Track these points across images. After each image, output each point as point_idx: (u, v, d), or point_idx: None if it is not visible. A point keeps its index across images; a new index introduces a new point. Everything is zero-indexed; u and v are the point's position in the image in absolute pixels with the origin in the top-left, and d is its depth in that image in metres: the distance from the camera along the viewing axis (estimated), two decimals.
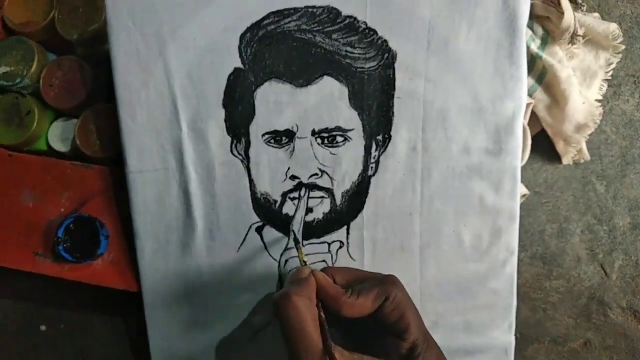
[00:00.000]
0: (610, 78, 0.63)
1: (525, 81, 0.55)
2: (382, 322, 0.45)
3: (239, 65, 0.54)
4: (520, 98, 0.55)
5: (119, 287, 0.58)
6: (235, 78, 0.54)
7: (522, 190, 0.61)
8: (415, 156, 0.55)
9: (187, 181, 0.55)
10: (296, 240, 0.54)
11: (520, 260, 0.62)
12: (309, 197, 0.55)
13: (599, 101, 0.63)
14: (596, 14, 0.64)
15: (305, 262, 0.50)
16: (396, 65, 0.54)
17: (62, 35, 0.61)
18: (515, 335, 0.59)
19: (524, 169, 0.63)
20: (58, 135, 0.62)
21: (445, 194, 0.55)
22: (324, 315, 0.43)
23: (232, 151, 0.56)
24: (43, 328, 0.65)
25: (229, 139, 0.55)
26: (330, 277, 0.46)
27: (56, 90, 0.60)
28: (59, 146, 0.62)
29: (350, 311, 0.44)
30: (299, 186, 0.55)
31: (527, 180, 0.64)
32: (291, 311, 0.42)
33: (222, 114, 0.55)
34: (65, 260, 0.58)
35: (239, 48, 0.54)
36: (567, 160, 0.64)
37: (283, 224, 0.56)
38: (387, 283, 0.46)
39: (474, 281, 0.57)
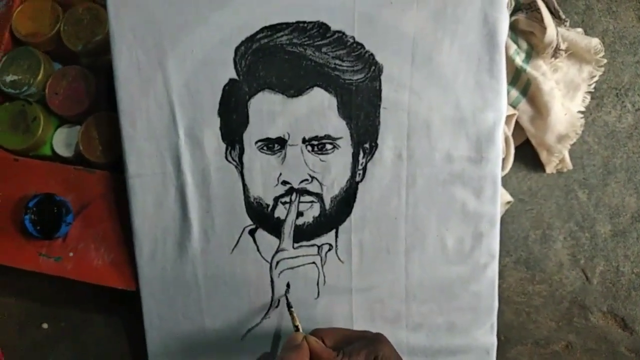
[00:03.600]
0: (592, 90, 0.66)
1: (504, 93, 0.58)
2: None
3: (234, 76, 0.57)
4: (500, 109, 0.57)
5: (118, 286, 0.61)
6: (230, 88, 0.57)
7: (506, 197, 0.63)
8: (401, 163, 0.58)
9: (184, 185, 0.58)
10: (289, 305, 0.56)
11: (504, 265, 0.65)
12: (299, 202, 0.58)
13: (582, 112, 0.65)
14: (579, 29, 0.66)
15: (297, 327, 0.53)
16: (382, 78, 0.57)
17: (67, 45, 0.64)
18: (499, 337, 0.62)
19: (508, 176, 0.66)
20: (62, 141, 0.65)
21: (429, 200, 0.58)
22: None
23: (226, 157, 0.58)
24: (44, 326, 0.68)
25: (224, 145, 0.58)
26: (320, 339, 0.50)
27: (61, 98, 0.63)
28: (63, 151, 0.65)
29: None
30: (290, 191, 0.58)
31: (512, 188, 0.66)
32: None
33: (217, 122, 0.58)
34: (27, 230, 0.60)
35: (234, 60, 0.57)
36: (550, 169, 0.66)
37: (274, 226, 0.59)
38: (375, 342, 0.49)
39: (457, 283, 0.59)
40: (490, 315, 0.60)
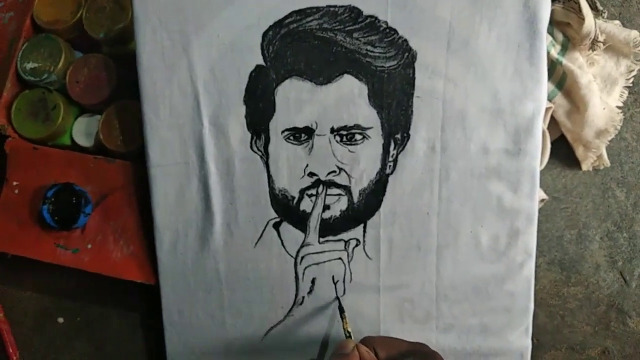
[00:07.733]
0: (630, 85, 0.63)
1: (545, 82, 0.55)
2: None
3: (261, 62, 0.55)
4: (540, 99, 0.54)
5: (137, 280, 0.59)
6: (256, 75, 0.55)
7: (540, 194, 0.61)
8: (434, 155, 0.55)
9: (207, 175, 0.56)
10: (341, 309, 0.54)
11: (537, 266, 0.62)
12: (326, 194, 0.56)
13: (620, 108, 0.62)
14: (617, 21, 0.64)
15: (349, 333, 0.51)
16: (416, 65, 0.54)
17: (89, 33, 0.63)
18: (532, 341, 0.59)
19: (542, 173, 0.63)
20: (82, 130, 0.63)
21: (463, 194, 0.55)
22: None
23: (251, 147, 0.56)
24: (60, 320, 0.66)
25: (249, 134, 0.56)
26: (371, 349, 0.47)
27: (81, 87, 0.62)
28: (83, 141, 0.63)
29: None
30: (317, 183, 0.56)
31: (546, 185, 0.64)
32: None
33: (242, 110, 0.56)
34: (45, 221, 0.58)
35: (261, 45, 0.55)
36: (586, 166, 0.63)
37: (300, 220, 0.56)
38: (430, 358, 0.46)
39: (491, 282, 0.56)
40: (526, 317, 0.57)
